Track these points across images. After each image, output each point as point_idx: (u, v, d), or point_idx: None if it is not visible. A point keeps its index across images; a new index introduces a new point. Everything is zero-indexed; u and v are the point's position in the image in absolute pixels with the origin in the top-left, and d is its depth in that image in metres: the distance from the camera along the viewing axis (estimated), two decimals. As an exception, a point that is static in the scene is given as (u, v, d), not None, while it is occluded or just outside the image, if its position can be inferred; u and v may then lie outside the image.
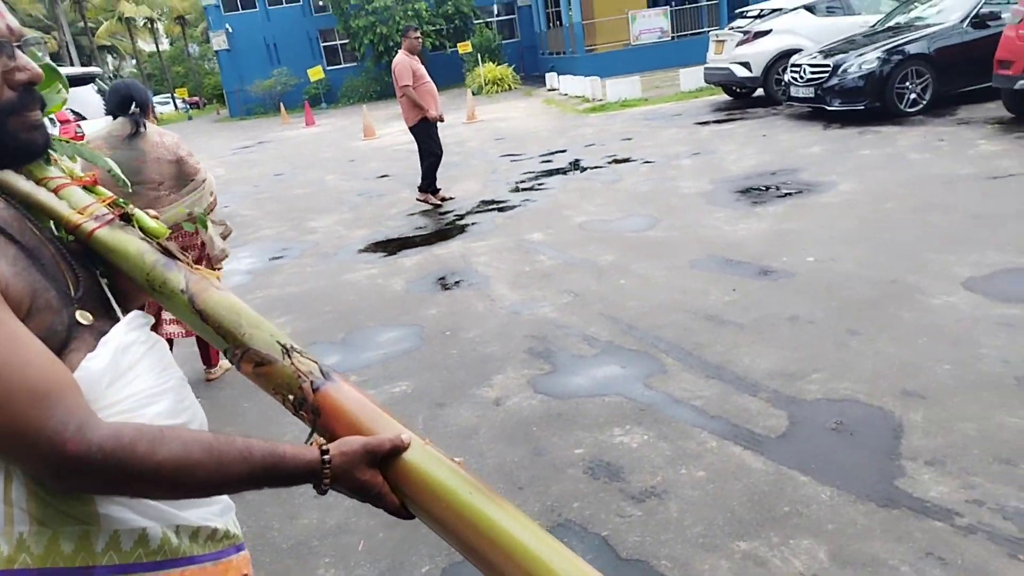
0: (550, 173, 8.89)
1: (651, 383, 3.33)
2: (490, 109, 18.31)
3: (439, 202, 7.95)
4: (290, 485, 0.98)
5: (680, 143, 9.51)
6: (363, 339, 4.40)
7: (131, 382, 0.98)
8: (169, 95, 45.47)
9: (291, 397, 1.07)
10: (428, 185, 7.98)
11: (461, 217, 7.33)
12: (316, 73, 29.04)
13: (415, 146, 8.03)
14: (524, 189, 8.23)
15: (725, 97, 13.14)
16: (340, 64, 32.75)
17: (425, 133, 7.73)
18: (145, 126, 3.60)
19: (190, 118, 39.27)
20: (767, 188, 6.56)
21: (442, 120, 7.77)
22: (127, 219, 1.12)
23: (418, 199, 8.08)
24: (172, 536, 0.99)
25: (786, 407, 2.97)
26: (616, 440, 2.91)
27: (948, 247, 4.40)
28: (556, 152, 10.32)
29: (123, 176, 1.37)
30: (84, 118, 7.99)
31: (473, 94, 24.07)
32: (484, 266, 5.50)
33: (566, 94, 18.59)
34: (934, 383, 2.97)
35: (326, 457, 0.97)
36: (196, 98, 46.69)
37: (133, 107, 3.57)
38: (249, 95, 31.78)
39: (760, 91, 11.84)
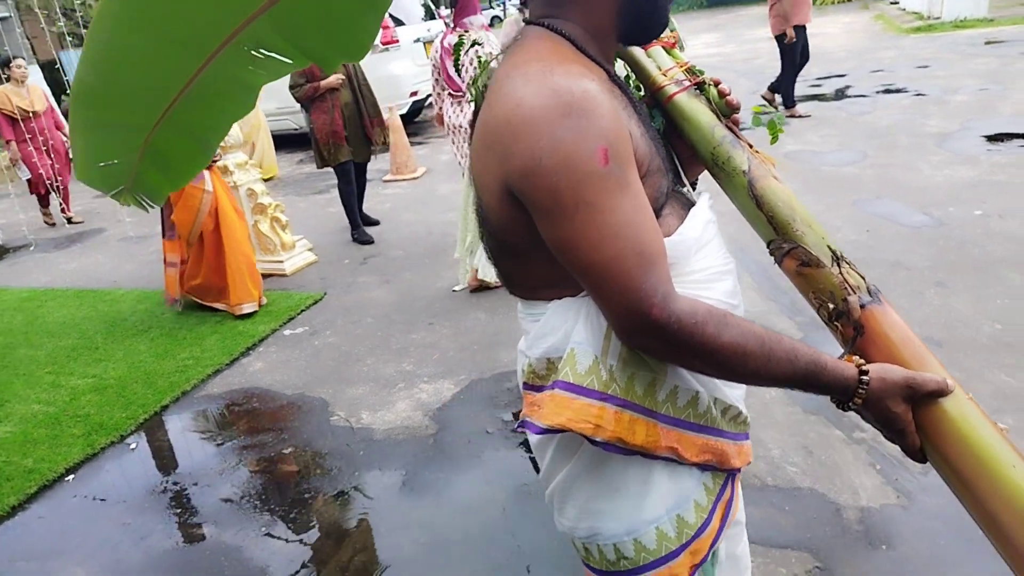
0: (807, 99, 8.60)
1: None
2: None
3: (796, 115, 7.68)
4: (820, 394, 0.96)
5: (977, 76, 8.41)
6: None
7: (708, 255, 1.02)
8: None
9: (831, 306, 1.02)
10: (787, 96, 7.80)
11: (687, 135, 7.69)
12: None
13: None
14: (767, 113, 8.17)
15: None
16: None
17: (791, 43, 7.47)
18: None
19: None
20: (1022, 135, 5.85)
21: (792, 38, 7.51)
22: (700, 88, 1.12)
23: (764, 96, 8.03)
24: (712, 406, 1.03)
25: (807, 331, 3.28)
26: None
27: None
28: (833, 76, 9.76)
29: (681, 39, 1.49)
30: (402, 23, 9.78)
31: (805, 5, 22.46)
32: (668, 181, 6.00)
33: (904, 9, 16.50)
34: (966, 339, 3.03)
35: (864, 378, 0.93)
36: None
37: None
38: None
39: None
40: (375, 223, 5.87)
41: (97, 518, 2.68)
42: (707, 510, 1.07)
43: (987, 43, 10.71)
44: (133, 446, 3.15)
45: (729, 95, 1.11)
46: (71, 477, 2.97)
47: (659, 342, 0.89)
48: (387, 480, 2.69)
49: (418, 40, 9.51)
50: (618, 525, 1.04)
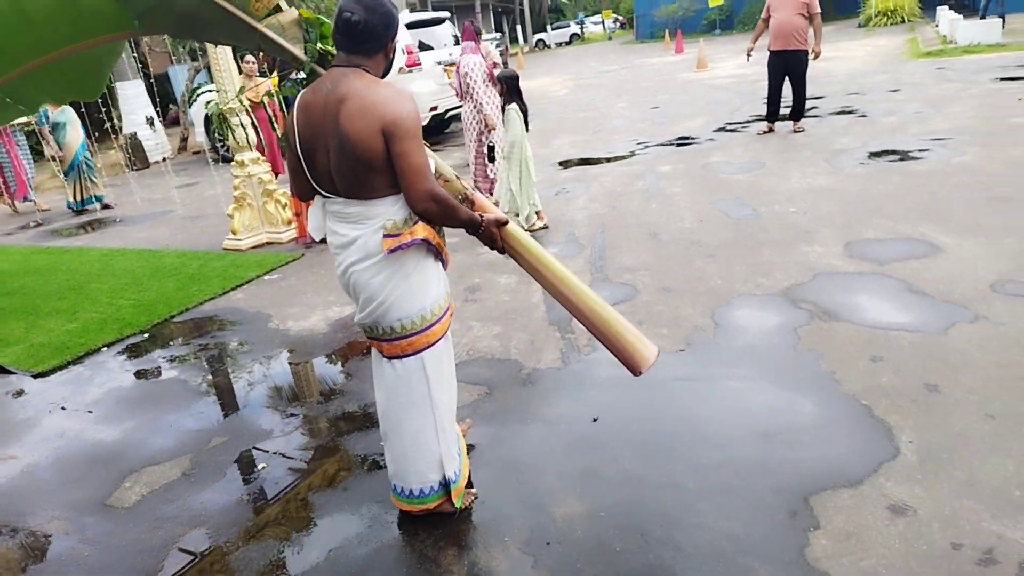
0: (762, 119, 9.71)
1: (555, 250, 5.17)
2: (840, 48, 17.76)
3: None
4: (470, 229, 2.24)
5: (927, 101, 9.28)
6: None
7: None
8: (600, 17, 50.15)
9: (459, 197, 2.32)
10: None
11: (646, 146, 9.01)
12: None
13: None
14: (727, 130, 9.37)
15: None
16: (748, -11, 32.76)
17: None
18: None
19: (610, 38, 43.35)
20: (902, 154, 6.88)
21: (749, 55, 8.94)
22: None
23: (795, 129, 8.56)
24: (444, 233, 2.34)
25: (597, 273, 4.65)
26: (501, 281, 4.97)
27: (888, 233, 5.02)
28: (812, 98, 10.76)
29: None
30: (431, 48, 11.46)
31: (859, 26, 22.98)
32: (597, 181, 7.36)
33: (938, 33, 16.98)
34: (691, 288, 4.33)
35: (483, 219, 2.25)
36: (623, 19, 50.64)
37: None
38: (654, 19, 34.12)
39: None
40: None
41: (118, 369, 4.40)
42: (448, 291, 2.43)
43: (956, 69, 11.37)
44: (145, 336, 4.88)
45: None
46: (105, 348, 4.72)
47: (435, 204, 2.09)
48: (284, 354, 4.28)
49: (440, 63, 11.16)
50: (432, 301, 2.29)
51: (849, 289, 4.01)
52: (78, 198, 9.89)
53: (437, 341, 2.35)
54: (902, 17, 22.36)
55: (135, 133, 13.83)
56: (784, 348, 3.47)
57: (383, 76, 2.22)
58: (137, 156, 13.60)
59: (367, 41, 2.13)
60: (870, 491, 2.41)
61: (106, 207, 10.04)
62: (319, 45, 2.47)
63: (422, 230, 2.17)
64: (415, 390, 2.37)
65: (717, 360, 3.46)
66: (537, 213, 5.99)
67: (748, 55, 9.07)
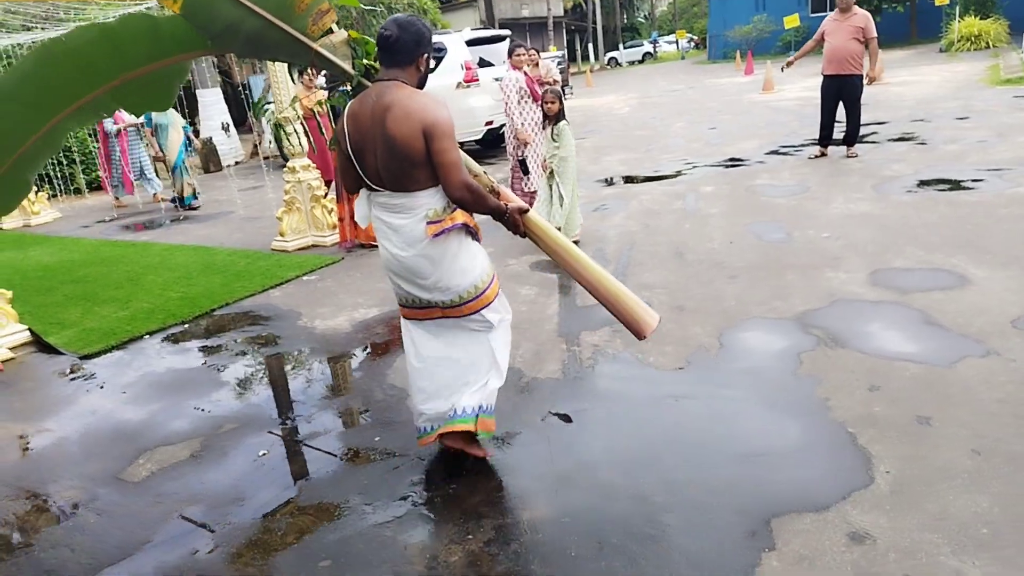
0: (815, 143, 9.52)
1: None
2: (917, 72, 17.20)
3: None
4: (497, 215, 2.59)
5: (994, 130, 8.93)
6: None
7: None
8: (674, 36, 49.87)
9: (488, 188, 2.63)
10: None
11: (694, 166, 8.97)
12: (792, 21, 29.28)
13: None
14: (779, 153, 9.23)
15: None
16: (825, 11, 32.03)
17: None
18: None
19: (683, 58, 43.00)
20: (953, 183, 6.66)
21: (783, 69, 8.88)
22: None
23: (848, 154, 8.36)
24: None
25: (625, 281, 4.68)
26: (524, 292, 5.07)
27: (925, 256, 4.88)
28: (873, 123, 10.50)
29: None
30: (491, 64, 11.72)
31: (940, 51, 22.18)
32: (636, 199, 7.39)
33: (1022, 60, 16.22)
34: (705, 307, 4.33)
35: (507, 207, 2.60)
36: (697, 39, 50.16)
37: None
38: (727, 40, 33.71)
39: None
40: None
41: (155, 355, 4.70)
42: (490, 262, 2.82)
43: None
44: (185, 326, 5.19)
45: None
46: (148, 336, 5.04)
47: (468, 193, 2.44)
48: (308, 347, 4.49)
49: (498, 79, 11.35)
50: (480, 271, 2.67)
51: (864, 317, 3.94)
52: (183, 194, 10.43)
53: (493, 300, 2.75)
54: (987, 43, 21.47)
55: (211, 138, 14.58)
56: (783, 372, 3.44)
57: (419, 86, 2.57)
58: (212, 159, 14.31)
59: (399, 53, 2.49)
60: (834, 517, 2.39)
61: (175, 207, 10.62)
62: (365, 61, 2.72)
63: (461, 215, 2.56)
64: (475, 332, 2.78)
65: (714, 380, 3.46)
66: None
67: (787, 65, 8.89)
